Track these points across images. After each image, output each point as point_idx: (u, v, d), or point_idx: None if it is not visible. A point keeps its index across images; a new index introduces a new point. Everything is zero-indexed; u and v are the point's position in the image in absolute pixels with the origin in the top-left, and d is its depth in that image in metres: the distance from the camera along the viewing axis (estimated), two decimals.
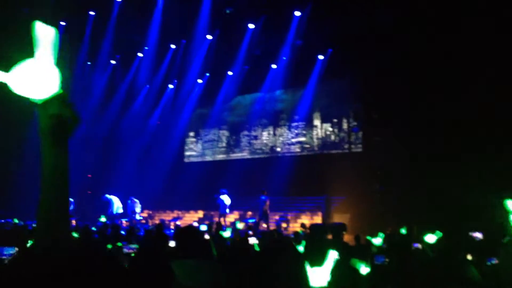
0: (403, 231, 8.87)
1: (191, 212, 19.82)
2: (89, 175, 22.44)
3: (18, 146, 19.63)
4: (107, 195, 17.48)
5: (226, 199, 16.95)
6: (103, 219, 14.94)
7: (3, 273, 1.21)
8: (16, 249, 4.62)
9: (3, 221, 13.92)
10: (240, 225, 12.08)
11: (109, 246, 6.99)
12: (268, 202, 15.98)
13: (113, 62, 21.51)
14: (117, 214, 17.19)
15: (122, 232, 10.75)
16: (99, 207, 18.80)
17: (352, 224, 14.98)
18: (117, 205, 17.37)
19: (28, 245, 6.02)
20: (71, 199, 16.35)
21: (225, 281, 2.96)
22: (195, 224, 14.65)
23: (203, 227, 9.63)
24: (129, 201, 17.56)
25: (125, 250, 5.73)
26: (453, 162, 14.00)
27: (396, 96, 16.53)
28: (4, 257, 4.57)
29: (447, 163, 14.17)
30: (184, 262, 3.15)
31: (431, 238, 7.07)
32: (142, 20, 17.89)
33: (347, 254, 4.38)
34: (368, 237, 8.09)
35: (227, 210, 17.01)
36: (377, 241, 8.07)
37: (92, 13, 18.02)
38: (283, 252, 2.30)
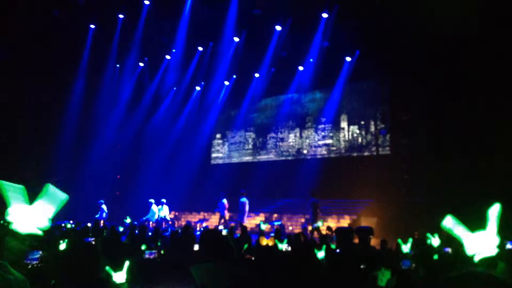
0: (431, 236, 8.69)
1: (217, 213, 19.85)
2: (118, 176, 22.78)
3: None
4: (151, 200, 17.68)
5: (226, 202, 17.11)
6: (128, 220, 15.08)
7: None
8: (41, 252, 4.68)
9: None
10: (263, 226, 12.03)
11: (144, 247, 7.04)
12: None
13: (141, 64, 21.77)
14: (155, 219, 17.34)
15: (149, 233, 10.85)
16: (126, 208, 19.03)
17: (379, 228, 14.82)
18: (154, 211, 17.55)
19: (61, 246, 6.12)
20: (104, 207, 16.72)
21: (244, 283, 2.95)
22: (220, 227, 14.69)
23: (224, 232, 9.62)
24: (160, 206, 17.71)
25: (146, 256, 5.75)
26: (485, 164, 13.71)
27: (425, 98, 16.30)
28: (31, 261, 4.63)
29: (479, 166, 13.89)
30: (206, 265, 3.15)
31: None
32: (170, 22, 18.05)
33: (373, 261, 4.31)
34: (399, 241, 7.95)
35: (226, 212, 17.17)
36: (407, 247, 7.93)
37: (121, 16, 18.26)
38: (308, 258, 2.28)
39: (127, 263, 3.63)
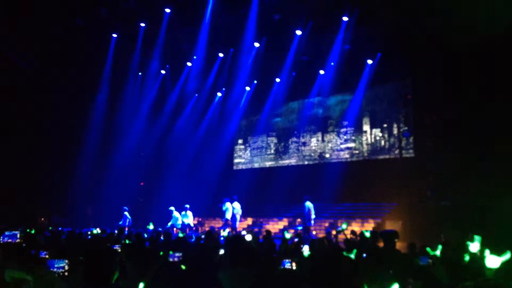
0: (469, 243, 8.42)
1: (241, 219, 19.89)
2: (142, 183, 22.99)
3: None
4: (171, 208, 17.78)
5: (229, 207, 17.04)
6: (151, 226, 15.18)
7: None
8: (67, 261, 4.73)
9: (60, 229, 14.38)
10: (288, 235, 11.97)
11: (161, 253, 7.08)
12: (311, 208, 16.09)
13: (163, 72, 21.98)
14: (177, 225, 17.43)
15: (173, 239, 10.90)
16: (150, 215, 19.18)
17: (404, 232, 14.65)
18: (176, 217, 17.65)
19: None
20: (127, 214, 16.91)
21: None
22: (244, 232, 14.68)
23: (248, 237, 9.56)
24: (183, 212, 17.80)
25: (170, 259, 5.77)
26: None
27: (449, 99, 16.11)
28: (55, 269, 4.68)
29: (506, 167, 13.64)
30: (231, 270, 3.16)
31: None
32: (191, 29, 18.19)
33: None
34: (428, 249, 7.76)
35: (228, 217, 17.08)
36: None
37: (142, 24, 18.49)
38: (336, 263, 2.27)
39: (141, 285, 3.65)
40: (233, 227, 17.04)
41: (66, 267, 4.75)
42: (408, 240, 9.77)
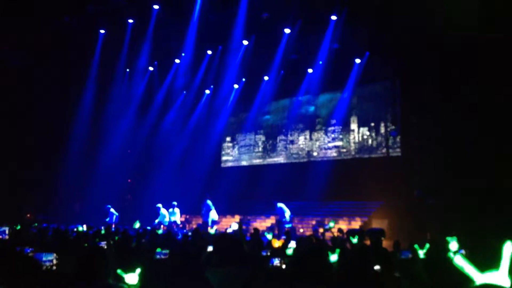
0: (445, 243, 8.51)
1: (228, 216, 19.88)
2: (129, 180, 22.89)
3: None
4: (158, 205, 17.73)
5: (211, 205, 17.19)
6: (137, 225, 15.11)
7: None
8: (55, 255, 4.74)
9: (45, 225, 14.28)
10: (269, 236, 12.04)
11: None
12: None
13: (151, 69, 21.87)
14: (164, 223, 17.39)
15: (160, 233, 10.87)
16: (137, 212, 19.11)
17: (391, 230, 14.77)
18: (164, 214, 17.60)
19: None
20: (114, 212, 16.83)
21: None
22: (229, 229, 14.70)
23: (234, 225, 9.57)
24: (171, 209, 17.76)
25: (157, 256, 5.77)
26: (499, 164, 13.59)
27: (436, 99, 16.23)
28: (44, 263, 4.69)
29: (491, 166, 13.79)
30: (219, 270, 3.16)
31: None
32: (179, 26, 18.12)
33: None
34: (416, 246, 7.82)
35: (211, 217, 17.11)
36: (423, 253, 7.76)
37: (130, 21, 18.38)
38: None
39: (139, 270, 3.63)
40: (206, 221, 17.18)
41: (54, 261, 4.79)
42: (394, 238, 9.84)
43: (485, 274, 2.48)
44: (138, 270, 3.62)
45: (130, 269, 3.62)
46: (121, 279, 3.58)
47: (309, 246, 6.67)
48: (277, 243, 9.82)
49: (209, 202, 17.52)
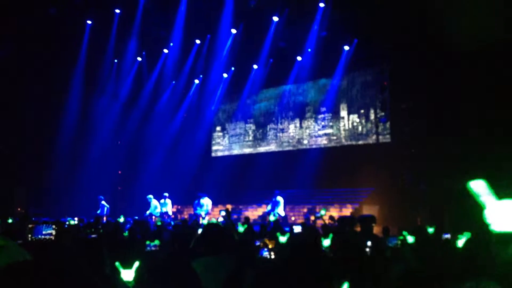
0: (430, 230, 8.65)
1: (219, 206, 19.90)
2: (120, 171, 22.81)
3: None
4: (149, 196, 17.59)
5: (205, 202, 17.03)
6: (122, 219, 14.95)
7: None
8: (54, 227, 5.11)
9: (35, 219, 14.19)
10: (272, 218, 12.07)
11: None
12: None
13: (139, 59, 21.70)
14: (156, 214, 17.32)
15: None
16: (129, 203, 19.06)
17: (381, 216, 14.85)
18: (155, 205, 17.49)
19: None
20: (106, 204, 16.72)
21: (243, 276, 2.96)
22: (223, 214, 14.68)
23: (222, 213, 9.55)
24: (162, 200, 17.69)
25: (148, 249, 5.79)
26: (487, 147, 13.65)
27: (425, 84, 16.26)
28: (42, 236, 5.10)
29: (480, 150, 13.85)
30: (206, 259, 3.16)
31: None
32: (167, 16, 18.01)
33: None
34: (405, 233, 7.90)
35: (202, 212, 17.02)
36: (412, 238, 7.85)
37: (117, 11, 18.21)
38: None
39: (136, 264, 3.60)
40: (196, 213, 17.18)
41: (54, 233, 5.17)
42: (384, 224, 9.91)
43: (502, 201, 2.42)
44: (136, 265, 3.57)
45: (127, 264, 3.57)
46: (118, 272, 3.55)
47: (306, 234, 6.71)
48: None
49: (202, 201, 17.20)
